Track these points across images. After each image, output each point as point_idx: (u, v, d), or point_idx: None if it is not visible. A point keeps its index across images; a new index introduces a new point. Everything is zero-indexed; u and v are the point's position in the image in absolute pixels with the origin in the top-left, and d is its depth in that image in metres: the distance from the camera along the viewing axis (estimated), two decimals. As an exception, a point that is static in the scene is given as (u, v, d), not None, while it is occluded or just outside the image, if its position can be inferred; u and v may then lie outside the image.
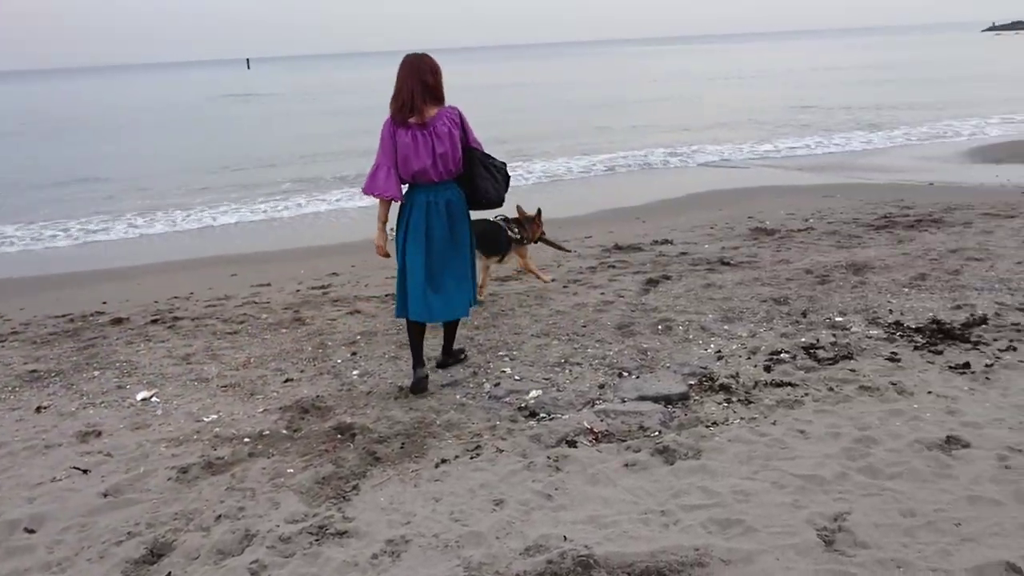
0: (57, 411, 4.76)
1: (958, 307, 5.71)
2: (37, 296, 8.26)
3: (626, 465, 3.67)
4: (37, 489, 3.81)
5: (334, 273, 8.29)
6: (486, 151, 4.76)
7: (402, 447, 4.01)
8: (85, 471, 3.95)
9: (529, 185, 15.02)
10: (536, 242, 6.80)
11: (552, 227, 10.44)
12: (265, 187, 16.28)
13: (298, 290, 7.60)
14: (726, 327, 5.61)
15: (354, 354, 5.46)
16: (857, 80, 39.16)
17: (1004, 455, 3.58)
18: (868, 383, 4.47)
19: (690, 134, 21.80)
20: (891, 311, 5.72)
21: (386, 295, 7.04)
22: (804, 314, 5.78)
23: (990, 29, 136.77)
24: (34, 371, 5.49)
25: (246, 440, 4.20)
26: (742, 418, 4.15)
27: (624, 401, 4.42)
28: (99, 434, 4.39)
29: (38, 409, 4.80)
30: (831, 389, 4.44)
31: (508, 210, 5.96)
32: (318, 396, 4.72)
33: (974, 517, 3.12)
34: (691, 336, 5.45)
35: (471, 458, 3.84)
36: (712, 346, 5.24)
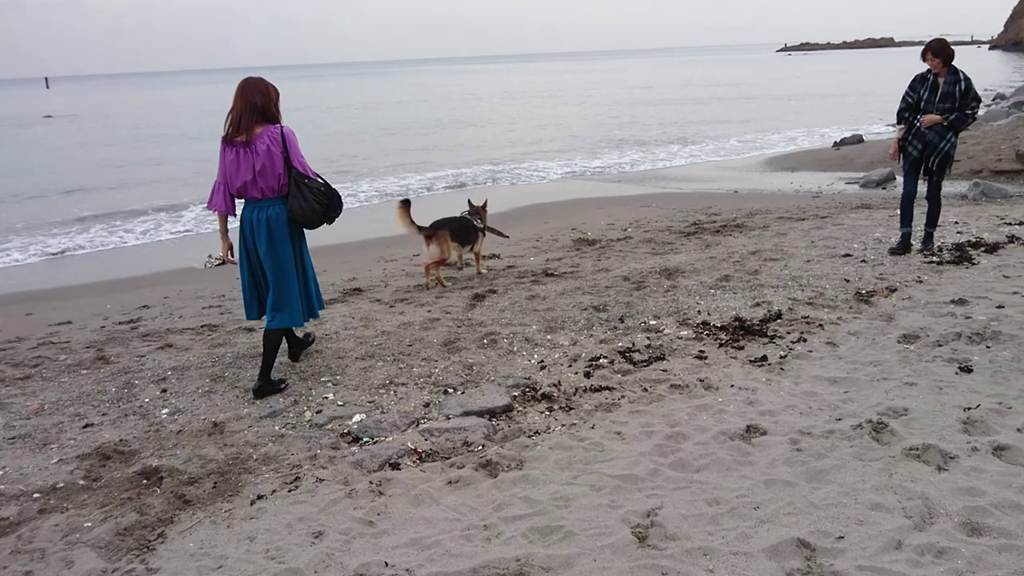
0: None
1: (757, 304, 6.16)
2: None
3: (450, 482, 3.65)
4: None
5: (145, 306, 7.75)
6: (314, 171, 4.92)
7: (214, 487, 3.78)
8: None
9: (357, 207, 14.80)
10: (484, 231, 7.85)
11: (381, 246, 10.37)
12: (65, 217, 15.03)
13: (103, 326, 7.03)
14: (549, 337, 5.74)
15: (164, 391, 5.11)
16: (669, 99, 41.76)
17: (796, 438, 3.88)
18: (678, 381, 4.72)
19: (516, 150, 22.36)
20: (699, 312, 6.09)
21: (202, 326, 6.66)
22: (622, 319, 6.03)
23: (783, 50, 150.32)
24: None
25: (36, 496, 3.80)
26: (563, 425, 4.26)
27: (449, 418, 4.41)
28: None
29: None
30: (645, 390, 4.64)
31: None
32: (121, 440, 4.37)
33: (770, 499, 3.35)
34: (515, 348, 5.54)
35: (289, 491, 3.68)
36: (535, 356, 5.35)
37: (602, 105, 38.82)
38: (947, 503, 3.20)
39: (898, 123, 7.40)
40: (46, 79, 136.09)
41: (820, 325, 5.59)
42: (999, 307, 5.61)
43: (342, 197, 5.09)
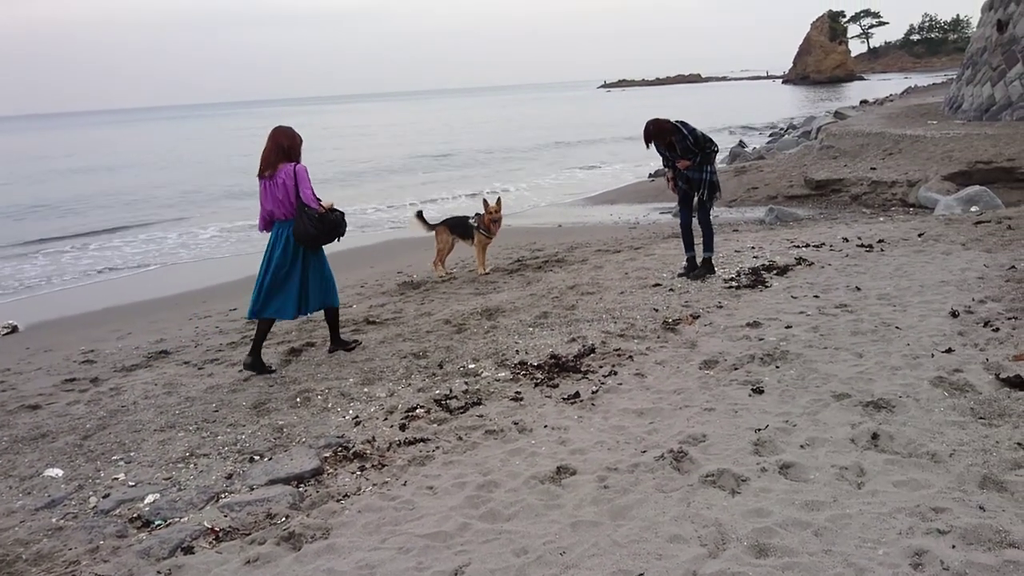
0: None
1: (573, 340, 6.30)
2: None
3: (248, 562, 3.41)
4: None
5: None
6: (318, 201, 6.04)
7: (-29, 599, 3.33)
8: None
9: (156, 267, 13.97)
10: (492, 231, 9.25)
11: (196, 302, 9.78)
12: None
13: None
14: (366, 390, 5.58)
15: (-79, 489, 4.49)
16: (497, 133, 42.83)
17: (603, 475, 3.94)
18: (493, 426, 4.70)
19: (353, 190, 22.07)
20: (517, 351, 6.14)
21: (-23, 407, 5.95)
22: (440, 365, 5.97)
23: (603, 86, 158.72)
24: None
25: None
26: (374, 484, 4.11)
27: (252, 488, 4.14)
28: None
29: None
30: (460, 438, 4.58)
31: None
32: None
33: (576, 543, 3.36)
34: (330, 405, 5.34)
35: (61, 593, 3.30)
36: (351, 412, 5.18)
37: (424, 143, 39.18)
38: (738, 527, 3.34)
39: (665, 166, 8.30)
40: None
41: (630, 357, 5.78)
42: (787, 327, 6.04)
43: (345, 224, 6.29)
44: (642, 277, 8.30)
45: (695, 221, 8.19)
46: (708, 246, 8.12)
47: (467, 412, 5.00)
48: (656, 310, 6.94)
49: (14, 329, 9.16)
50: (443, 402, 5.18)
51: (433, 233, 9.57)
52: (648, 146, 7.90)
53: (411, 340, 6.72)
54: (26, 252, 15.81)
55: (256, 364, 6.11)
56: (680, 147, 7.79)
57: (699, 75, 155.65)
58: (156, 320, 9.01)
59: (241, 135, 57.02)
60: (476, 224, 9.26)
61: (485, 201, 9.43)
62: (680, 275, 8.14)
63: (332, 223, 6.08)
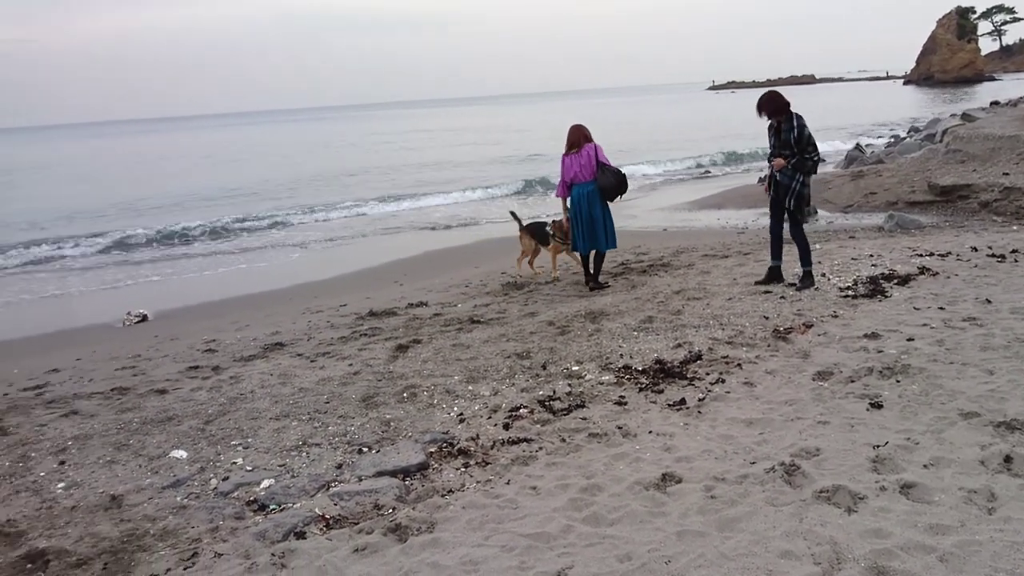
0: None
1: (679, 345, 6.18)
2: None
3: (356, 550, 3.51)
4: None
5: (54, 370, 7.40)
6: (605, 163, 8.56)
7: (105, 568, 3.56)
8: None
9: (298, 256, 14.57)
10: (568, 237, 9.23)
11: (308, 297, 10.16)
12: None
13: (6, 394, 6.67)
14: (471, 387, 5.65)
15: (63, 463, 4.84)
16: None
17: (710, 485, 3.85)
18: (597, 430, 4.67)
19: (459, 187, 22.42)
20: (622, 355, 6.08)
21: (112, 389, 6.37)
22: (544, 366, 5.98)
23: (711, 88, 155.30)
24: None
25: (-93, 589, 3.53)
26: (478, 481, 4.15)
27: (361, 479, 4.26)
28: None
29: None
30: (563, 440, 4.58)
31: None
32: (9, 520, 4.09)
33: (682, 552, 3.29)
34: (435, 401, 5.43)
35: (185, 569, 3.49)
36: (455, 409, 5.25)
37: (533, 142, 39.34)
38: (855, 547, 3.19)
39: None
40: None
41: (739, 365, 5.62)
42: (909, 340, 5.73)
43: (627, 181, 8.69)
44: (751, 283, 8.06)
45: (787, 231, 7.87)
46: (804, 259, 7.77)
47: (570, 414, 4.98)
48: (766, 318, 6.73)
49: (144, 318, 9.75)
50: (546, 403, 5.19)
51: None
52: (760, 115, 7.62)
53: (515, 340, 6.76)
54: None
55: (593, 284, 8.84)
56: (783, 136, 7.49)
57: (813, 76, 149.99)
58: (271, 313, 9.40)
59: (377, 140, 58.68)
60: (552, 231, 9.52)
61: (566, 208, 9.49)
62: (757, 283, 7.98)
63: (623, 176, 8.59)
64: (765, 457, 4.09)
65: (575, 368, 5.88)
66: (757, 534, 3.37)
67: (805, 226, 7.86)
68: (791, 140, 7.44)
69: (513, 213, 10.49)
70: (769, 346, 5.99)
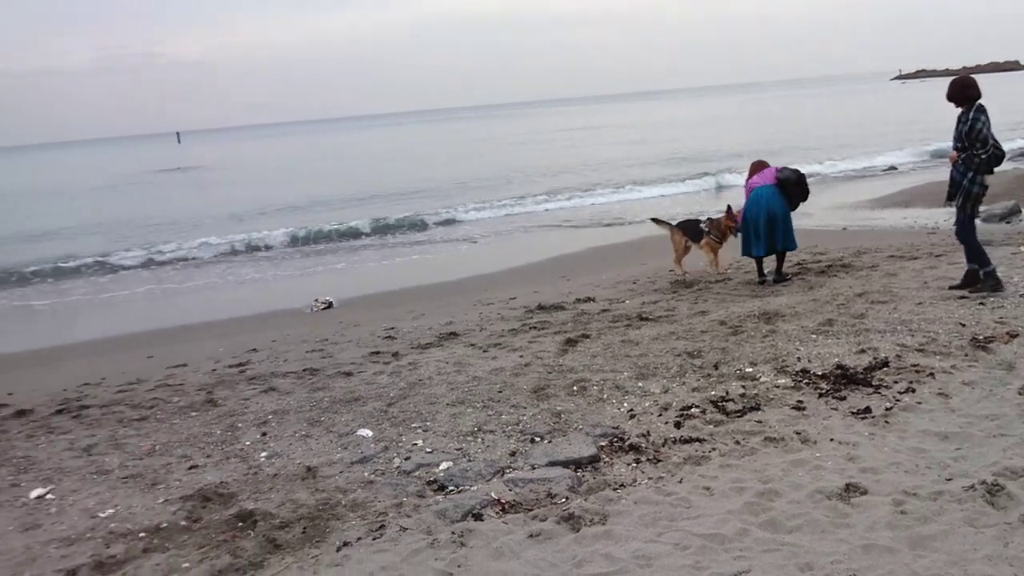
0: (-60, 517, 4.49)
1: (862, 351, 5.87)
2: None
3: (531, 536, 3.62)
4: (-91, 606, 3.56)
5: (253, 349, 8.11)
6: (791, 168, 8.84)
7: (304, 532, 3.89)
8: (-36, 582, 3.71)
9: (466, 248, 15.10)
10: (725, 236, 9.40)
11: (479, 289, 10.50)
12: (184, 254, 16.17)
13: (215, 369, 7.40)
14: (640, 384, 5.65)
15: (264, 435, 5.32)
16: (790, 129, 40.82)
17: (900, 500, 3.64)
18: (773, 434, 4.53)
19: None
20: (799, 359, 5.85)
21: (303, 370, 6.91)
22: (716, 366, 5.87)
23: (897, 78, 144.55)
24: (-78, 473, 5.19)
25: (141, 535, 4.01)
26: (650, 478, 4.15)
27: (534, 468, 4.38)
28: (-16, 539, 4.15)
29: (-80, 516, 4.52)
30: (737, 442, 4.48)
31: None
32: (222, 482, 4.56)
33: (868, 567, 3.15)
34: (605, 396, 5.47)
35: (374, 539, 3.74)
36: (625, 405, 5.27)
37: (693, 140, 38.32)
38: (1070, 578, 2.92)
39: None
40: (178, 134, 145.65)
41: (931, 374, 5.26)
42: None
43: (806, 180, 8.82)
44: (944, 287, 7.49)
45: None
46: (976, 259, 7.19)
47: (744, 416, 4.86)
48: (963, 325, 6.23)
49: (330, 305, 10.48)
50: (719, 404, 5.09)
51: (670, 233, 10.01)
52: (949, 100, 7.12)
53: (685, 339, 6.67)
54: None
55: (777, 277, 8.80)
56: (958, 128, 6.99)
57: (1017, 62, 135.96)
58: (445, 304, 9.81)
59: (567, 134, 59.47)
60: (707, 228, 9.45)
61: (729, 207, 9.49)
62: (951, 287, 7.40)
63: (802, 174, 8.75)
64: (963, 474, 3.81)
65: (749, 370, 5.73)
66: (954, 555, 3.16)
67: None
68: (963, 132, 6.93)
69: (656, 219, 10.52)
70: (967, 355, 5.55)
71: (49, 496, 4.64)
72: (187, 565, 3.67)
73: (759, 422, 4.74)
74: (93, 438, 5.60)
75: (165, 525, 4.10)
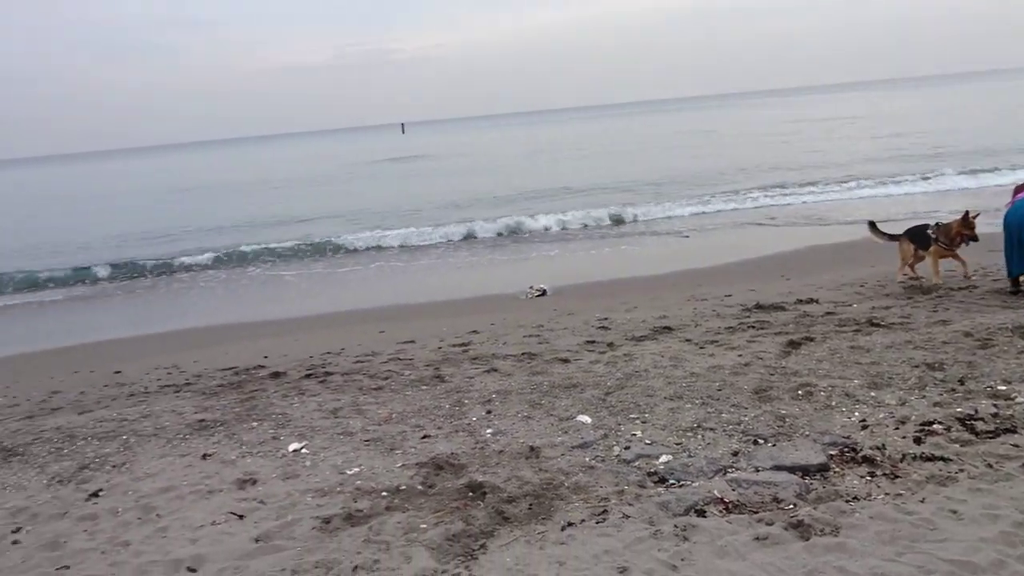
0: (220, 459, 5.19)
1: None
2: (208, 349, 9.05)
3: (757, 538, 3.56)
4: (199, 531, 4.16)
5: (474, 331, 8.56)
6: None
7: (530, 508, 4.08)
8: (241, 517, 4.27)
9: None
10: (958, 244, 8.75)
11: (692, 284, 10.33)
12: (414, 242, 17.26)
13: (440, 347, 7.90)
14: (873, 394, 5.32)
15: (489, 412, 5.61)
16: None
17: None
18: (1034, 460, 4.11)
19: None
20: (1065, 380, 5.24)
21: (522, 353, 7.19)
22: (961, 381, 5.40)
23: None
24: (202, 420, 6.01)
25: (384, 494, 4.40)
26: (887, 493, 3.92)
27: (758, 470, 4.29)
28: (254, 482, 4.74)
29: (204, 456, 5.24)
30: (990, 466, 4.11)
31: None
32: (452, 453, 4.89)
33: None
34: (834, 403, 5.22)
35: (597, 523, 3.85)
36: (856, 414, 4.99)
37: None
38: None
39: None
40: (402, 125, 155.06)
41: None
42: None
43: None
44: None
45: None
46: None
47: (998, 438, 4.44)
48: None
49: (544, 292, 10.79)
50: (967, 422, 4.69)
51: (890, 243, 9.60)
52: None
53: (923, 349, 6.19)
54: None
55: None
56: None
57: None
58: (657, 297, 9.77)
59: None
60: (934, 235, 8.85)
61: (967, 212, 8.67)
62: None
63: None
64: None
65: (1002, 388, 5.21)
66: None
67: None
68: None
69: (874, 226, 9.96)
70: None
71: (304, 450, 5.21)
72: (424, 526, 3.99)
73: (1015, 446, 4.31)
74: (338, 402, 6.20)
75: (404, 487, 4.46)
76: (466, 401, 5.91)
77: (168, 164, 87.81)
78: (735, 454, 4.54)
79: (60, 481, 5.06)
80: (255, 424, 5.83)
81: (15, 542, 4.26)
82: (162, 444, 5.57)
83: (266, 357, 8.24)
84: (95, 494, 4.78)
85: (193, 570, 3.76)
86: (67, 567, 3.92)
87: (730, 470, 4.34)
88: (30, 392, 7.79)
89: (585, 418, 5.30)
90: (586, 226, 18.41)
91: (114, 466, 5.22)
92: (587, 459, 4.65)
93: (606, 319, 8.53)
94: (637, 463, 4.53)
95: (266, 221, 23.41)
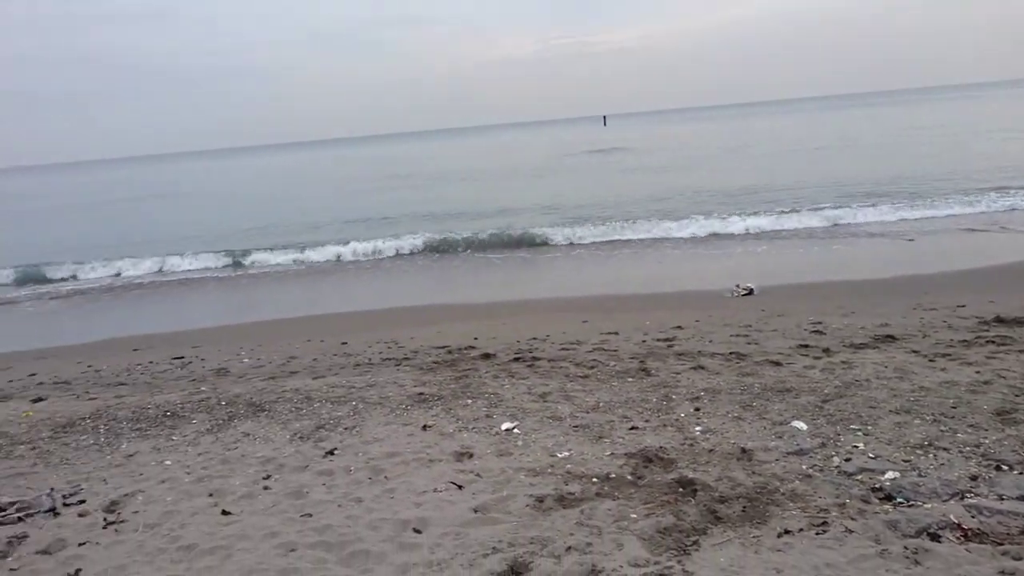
0: (439, 431, 5.54)
1: None
2: (423, 328, 9.64)
3: (1002, 572, 3.27)
4: (422, 496, 4.48)
5: (678, 327, 8.47)
6: None
7: (743, 510, 4.00)
8: (460, 487, 4.55)
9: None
10: None
11: (917, 291, 9.57)
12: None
13: (644, 340, 7.90)
14: None
15: (697, 410, 5.55)
16: None
17: None
18: None
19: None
20: None
21: (730, 353, 7.03)
22: None
23: None
24: (421, 394, 6.44)
25: (594, 480, 4.50)
26: None
27: (1002, 499, 3.92)
28: (471, 456, 5.02)
29: (424, 427, 5.62)
30: None
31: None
32: (661, 447, 4.89)
33: None
34: (1096, 433, 4.66)
35: (816, 534, 3.71)
36: (1125, 448, 4.43)
37: None
38: None
39: None
40: (604, 117, 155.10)
41: None
42: None
43: None
44: None
45: None
46: None
47: None
48: None
49: (750, 291, 10.45)
50: None
51: None
52: None
53: None
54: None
55: None
56: None
57: None
58: (876, 303, 9.14)
59: None
60: None
61: None
62: None
63: None
64: None
65: None
66: None
67: None
68: None
69: None
70: None
71: (516, 430, 5.43)
72: (635, 516, 4.04)
73: None
74: (546, 387, 6.40)
75: (613, 476, 4.54)
76: (673, 396, 5.88)
77: (383, 153, 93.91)
78: (974, 478, 4.18)
79: (301, 437, 5.63)
80: (469, 401, 6.15)
81: (266, 488, 4.80)
82: (386, 412, 6.03)
83: (476, 339, 8.65)
84: (331, 452, 5.28)
85: (418, 531, 4.06)
86: (309, 515, 4.36)
87: (968, 495, 4.01)
88: (272, 356, 8.71)
89: (800, 424, 5.10)
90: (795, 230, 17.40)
91: (346, 428, 5.73)
92: (804, 467, 4.48)
93: (820, 323, 8.12)
94: (859, 477, 4.30)
95: (476, 211, 24.37)
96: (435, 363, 7.56)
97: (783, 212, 18.55)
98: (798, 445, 4.77)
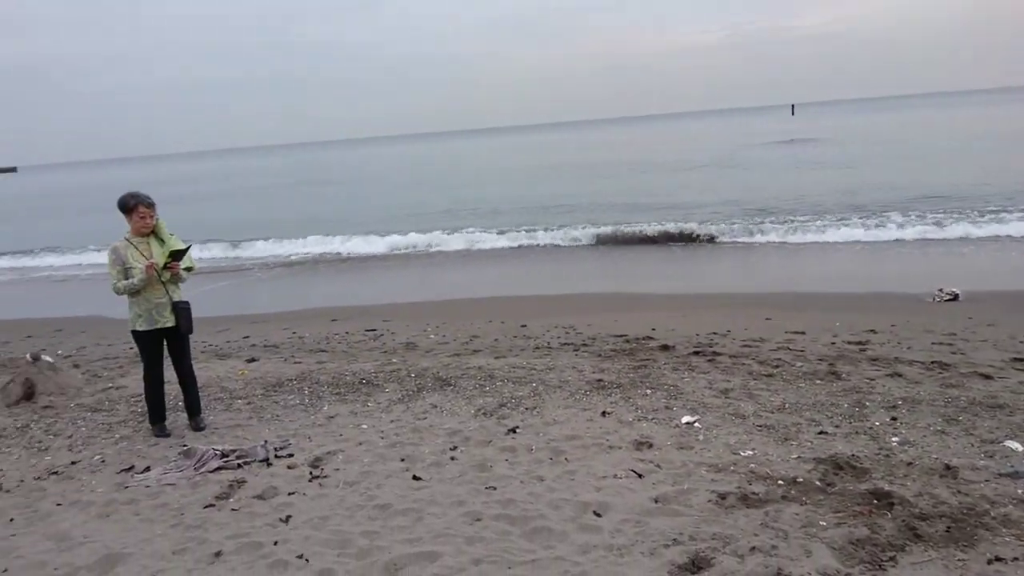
0: (617, 418, 5.58)
1: None
2: (600, 315, 9.70)
3: None
4: (602, 481, 4.54)
5: (872, 330, 7.99)
6: None
7: (947, 531, 3.75)
8: (640, 475, 4.57)
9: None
10: None
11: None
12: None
13: (833, 342, 7.53)
14: None
15: (894, 419, 5.23)
16: None
17: None
18: None
19: None
20: None
21: (932, 362, 6.55)
22: None
23: None
24: (600, 380, 6.50)
25: (780, 482, 4.37)
26: None
27: None
28: (650, 446, 5.03)
29: (603, 413, 5.68)
30: None
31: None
32: (853, 455, 4.66)
33: None
34: None
35: (1035, 565, 3.41)
36: None
37: None
38: None
39: None
40: (792, 106, 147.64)
41: None
42: None
43: None
44: None
45: None
46: None
47: None
48: None
49: (955, 297, 9.63)
50: None
51: None
52: None
53: None
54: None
55: None
56: None
57: None
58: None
59: None
60: None
61: None
62: None
63: None
64: None
65: None
66: None
67: None
68: None
69: None
70: None
71: (696, 425, 5.37)
72: (824, 524, 3.89)
73: None
74: (728, 383, 6.26)
75: (800, 480, 4.39)
76: (867, 403, 5.57)
77: (562, 140, 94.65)
78: None
79: (484, 413, 5.87)
80: (648, 392, 6.14)
81: (452, 458, 5.06)
82: (566, 396, 6.15)
83: (653, 329, 8.60)
84: (513, 430, 5.47)
85: (599, 514, 4.13)
86: (494, 488, 4.55)
87: None
88: (456, 333, 9.11)
89: (1016, 445, 4.68)
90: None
91: (527, 408, 5.90)
92: (1020, 491, 4.12)
93: (1038, 336, 7.37)
94: (1090, 508, 3.90)
95: (652, 203, 24.06)
96: (613, 351, 7.59)
97: (994, 212, 16.85)
98: (1013, 467, 4.38)
